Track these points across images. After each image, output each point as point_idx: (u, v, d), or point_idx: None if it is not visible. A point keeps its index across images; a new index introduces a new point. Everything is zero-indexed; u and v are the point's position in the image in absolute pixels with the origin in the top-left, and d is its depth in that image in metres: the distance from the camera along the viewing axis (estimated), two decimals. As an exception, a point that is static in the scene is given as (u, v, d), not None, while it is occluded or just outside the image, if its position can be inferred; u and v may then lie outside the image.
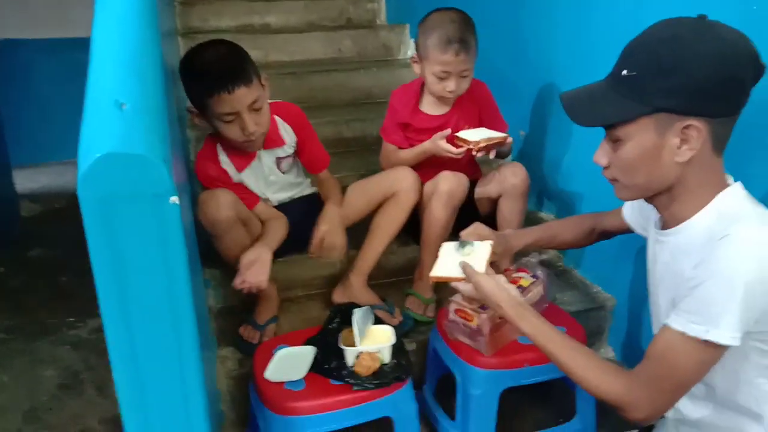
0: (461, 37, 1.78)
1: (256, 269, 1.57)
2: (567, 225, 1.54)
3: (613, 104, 1.00)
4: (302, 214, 1.83)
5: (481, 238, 1.37)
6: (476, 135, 1.78)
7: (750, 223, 0.97)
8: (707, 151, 0.99)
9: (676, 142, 0.97)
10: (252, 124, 1.59)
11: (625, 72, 0.99)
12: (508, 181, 1.83)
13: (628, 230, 1.37)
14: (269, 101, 1.70)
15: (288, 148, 1.80)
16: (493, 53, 1.88)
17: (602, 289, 1.97)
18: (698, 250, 0.98)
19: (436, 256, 1.37)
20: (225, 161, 1.73)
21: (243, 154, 1.73)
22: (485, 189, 1.92)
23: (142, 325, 0.92)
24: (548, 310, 1.60)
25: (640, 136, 0.99)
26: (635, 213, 1.33)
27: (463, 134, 1.78)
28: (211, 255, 1.74)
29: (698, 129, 0.95)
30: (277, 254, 1.68)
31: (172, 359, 0.95)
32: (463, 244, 1.33)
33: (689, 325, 0.95)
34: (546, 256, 2.15)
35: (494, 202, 1.88)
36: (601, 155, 1.06)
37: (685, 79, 0.94)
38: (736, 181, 1.06)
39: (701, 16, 0.98)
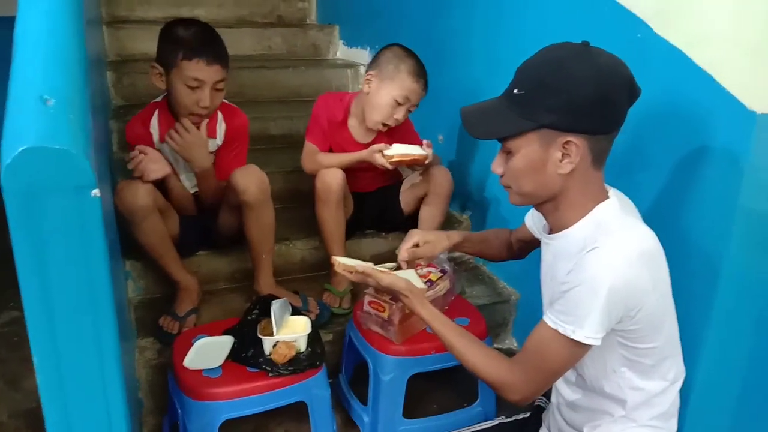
0: (426, 77, 1.94)
1: (154, 162, 1.66)
2: (493, 234, 1.62)
3: (505, 120, 1.09)
4: (199, 209, 1.90)
5: (414, 239, 1.47)
6: (399, 150, 1.89)
7: (617, 238, 1.07)
8: (587, 165, 1.09)
9: (558, 155, 1.08)
10: (209, 100, 1.69)
11: (516, 90, 1.09)
12: (435, 181, 1.95)
13: (534, 239, 1.46)
14: (224, 100, 1.79)
15: (215, 144, 1.85)
16: (425, 66, 1.99)
17: (507, 285, 2.12)
18: (573, 257, 1.10)
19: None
20: (154, 125, 1.79)
21: (174, 126, 1.78)
22: (412, 189, 2.03)
23: (62, 315, 0.95)
24: (455, 303, 1.73)
25: (527, 149, 1.09)
26: (534, 219, 1.43)
27: (388, 150, 1.89)
28: (132, 247, 1.76)
29: (577, 145, 1.06)
30: (183, 251, 1.79)
31: (91, 349, 0.99)
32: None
33: (560, 324, 1.06)
34: (458, 253, 2.28)
35: (419, 202, 2.00)
36: (497, 165, 1.16)
37: (565, 99, 1.04)
38: (623, 189, 1.18)
39: (585, 42, 1.09)
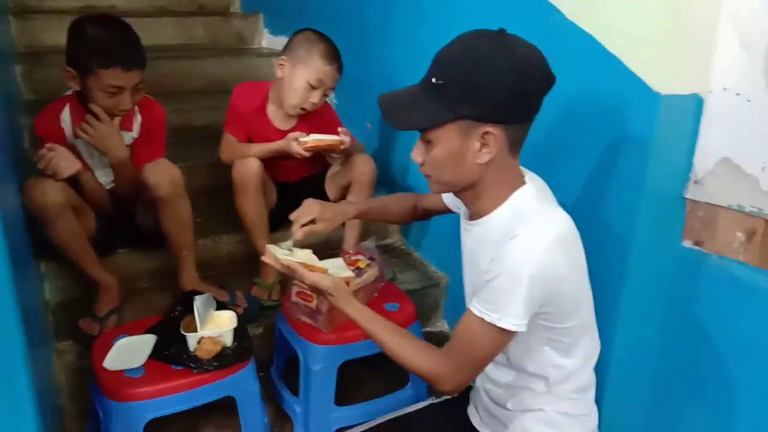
0: (340, 60, 1.93)
1: (64, 158, 1.59)
2: (393, 200, 1.63)
3: (423, 110, 1.09)
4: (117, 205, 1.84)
5: (308, 216, 1.40)
6: (315, 137, 1.88)
7: (534, 226, 1.10)
8: (504, 153, 1.11)
9: (476, 145, 1.09)
10: (129, 102, 1.64)
11: (434, 80, 1.09)
12: (357, 169, 1.95)
13: (447, 210, 1.50)
14: None
15: (131, 137, 1.79)
16: (348, 56, 1.98)
17: (438, 269, 2.15)
18: (494, 246, 1.12)
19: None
20: (66, 120, 1.72)
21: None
22: (335, 178, 2.02)
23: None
24: (384, 289, 1.75)
25: (446, 139, 1.09)
26: (452, 196, 1.44)
27: (304, 137, 1.88)
28: (47, 247, 1.68)
29: (495, 135, 1.08)
30: (103, 249, 1.74)
31: None
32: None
33: (486, 313, 1.08)
34: (391, 239, 2.31)
35: (344, 189, 1.99)
36: (417, 154, 1.17)
37: (482, 91, 1.05)
38: (542, 175, 1.22)
39: (501, 29, 1.09)
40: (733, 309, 1.34)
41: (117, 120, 1.71)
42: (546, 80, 1.10)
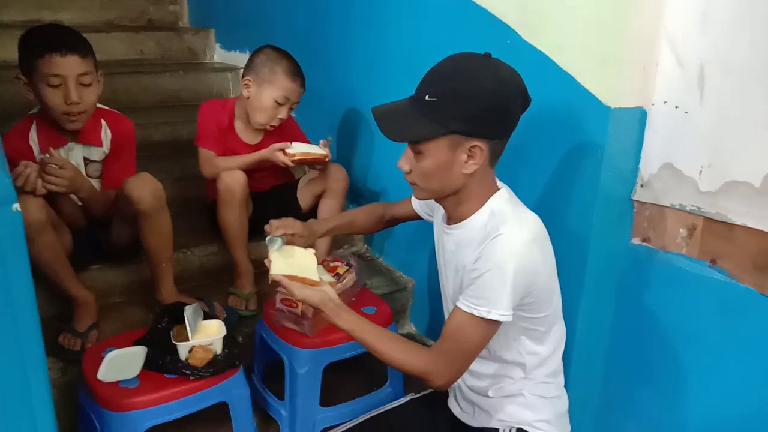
0: (303, 75, 2.00)
1: (62, 170, 1.60)
2: (361, 212, 1.72)
3: (418, 125, 1.19)
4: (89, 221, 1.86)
5: (288, 230, 1.47)
6: (300, 149, 1.96)
7: (513, 225, 1.22)
8: (486, 164, 1.23)
9: (464, 157, 1.20)
10: (76, 94, 1.63)
11: (427, 97, 1.18)
12: (332, 177, 2.04)
13: (416, 217, 1.61)
14: (105, 107, 1.77)
15: (101, 153, 1.80)
16: (304, 69, 2.06)
17: (404, 274, 2.26)
18: (477, 245, 1.23)
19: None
20: (33, 138, 1.73)
21: (54, 137, 1.73)
22: (309, 186, 2.10)
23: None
24: (361, 294, 1.83)
25: (437, 151, 1.19)
26: (421, 202, 1.56)
27: (290, 149, 1.95)
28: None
29: (481, 148, 1.19)
30: (76, 266, 1.74)
31: (17, 373, 0.95)
32: (272, 241, 1.38)
33: (474, 307, 1.18)
34: (356, 248, 2.40)
35: (316, 198, 2.07)
36: (404, 162, 1.26)
37: (474, 108, 1.16)
38: (507, 181, 1.34)
39: (487, 53, 1.21)
40: (677, 297, 1.51)
41: (81, 157, 1.75)
42: (524, 100, 1.24)
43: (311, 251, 1.41)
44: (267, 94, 1.97)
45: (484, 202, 1.27)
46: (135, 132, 1.89)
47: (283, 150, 1.94)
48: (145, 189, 1.69)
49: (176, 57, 3.18)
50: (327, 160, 1.98)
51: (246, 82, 2.00)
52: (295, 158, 1.93)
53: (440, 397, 1.51)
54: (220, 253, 2.10)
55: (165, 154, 2.56)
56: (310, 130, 2.29)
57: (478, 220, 1.27)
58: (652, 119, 1.51)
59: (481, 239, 1.23)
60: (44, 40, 1.63)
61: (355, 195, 2.45)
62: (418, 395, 1.55)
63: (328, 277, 1.61)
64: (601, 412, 1.72)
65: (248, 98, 2.01)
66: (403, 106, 1.23)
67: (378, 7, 2.17)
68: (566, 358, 1.43)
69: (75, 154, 1.76)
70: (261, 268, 2.03)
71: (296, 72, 2.00)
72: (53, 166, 1.58)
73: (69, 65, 1.62)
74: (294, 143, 1.98)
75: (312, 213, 2.09)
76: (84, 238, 1.80)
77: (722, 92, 1.37)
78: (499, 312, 1.17)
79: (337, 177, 2.03)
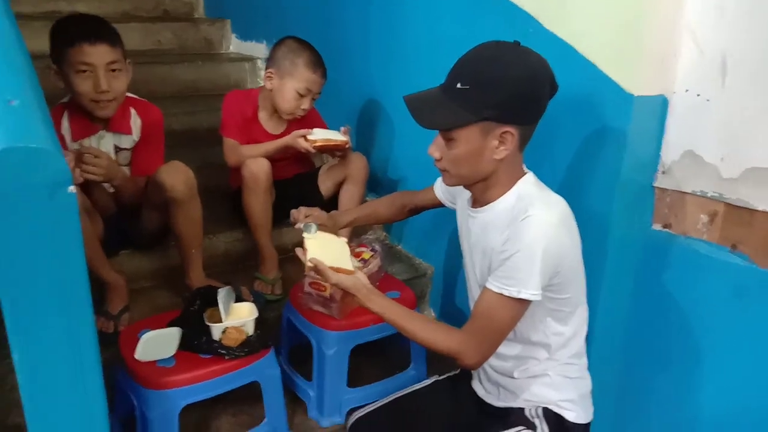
0: (323, 64, 2.03)
1: (97, 159, 1.65)
2: (383, 203, 1.77)
3: (451, 112, 1.22)
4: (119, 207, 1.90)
5: (313, 219, 1.53)
6: (321, 135, 1.99)
7: (541, 206, 1.25)
8: (515, 150, 1.27)
9: (495, 143, 1.24)
10: (105, 83, 1.68)
11: (459, 85, 1.22)
12: (352, 165, 2.07)
13: (438, 205, 1.64)
14: (134, 96, 1.80)
15: (131, 141, 1.84)
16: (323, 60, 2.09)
17: (423, 261, 2.30)
18: (505, 227, 1.26)
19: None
20: (65, 127, 1.76)
21: (86, 125, 1.77)
22: (330, 174, 2.13)
23: (44, 312, 0.95)
24: (385, 279, 1.88)
25: (469, 138, 1.22)
26: (444, 190, 1.60)
27: (312, 136, 1.98)
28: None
29: (512, 134, 1.23)
30: (109, 249, 1.79)
31: (69, 350, 0.99)
32: (308, 227, 1.41)
33: (505, 287, 1.22)
34: (374, 235, 2.43)
35: (337, 186, 2.11)
36: (435, 149, 1.30)
37: (505, 95, 1.19)
38: (531, 167, 1.37)
39: (516, 41, 1.25)
40: (697, 282, 1.54)
41: (112, 144, 1.78)
42: (552, 86, 1.27)
43: (344, 240, 1.45)
44: (289, 86, 2.01)
45: (512, 186, 1.31)
46: (164, 120, 1.93)
47: (304, 137, 1.97)
48: (178, 177, 1.73)
49: (193, 47, 3.21)
50: (347, 146, 2.01)
51: (268, 74, 2.04)
52: (317, 144, 1.96)
53: (464, 378, 1.55)
54: (244, 239, 2.14)
55: (185, 143, 2.59)
56: (329, 120, 2.31)
57: (505, 202, 1.30)
58: (673, 107, 1.54)
59: (509, 221, 1.26)
60: (75, 30, 1.67)
61: (374, 184, 2.48)
62: (442, 377, 1.59)
63: (354, 262, 1.64)
64: (621, 394, 1.76)
65: (271, 90, 2.04)
66: (435, 94, 1.26)
67: (396, -5, 2.20)
68: (588, 340, 1.46)
69: (105, 142, 1.81)
70: (285, 254, 2.09)
71: (317, 63, 2.03)
72: (89, 155, 1.62)
73: (98, 54, 1.67)
74: (315, 129, 2.01)
75: (333, 200, 2.13)
76: (114, 224, 1.84)
77: (743, 80, 1.40)
78: (530, 291, 1.21)
79: (358, 165, 2.07)
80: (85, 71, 1.66)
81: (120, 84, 1.74)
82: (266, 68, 2.07)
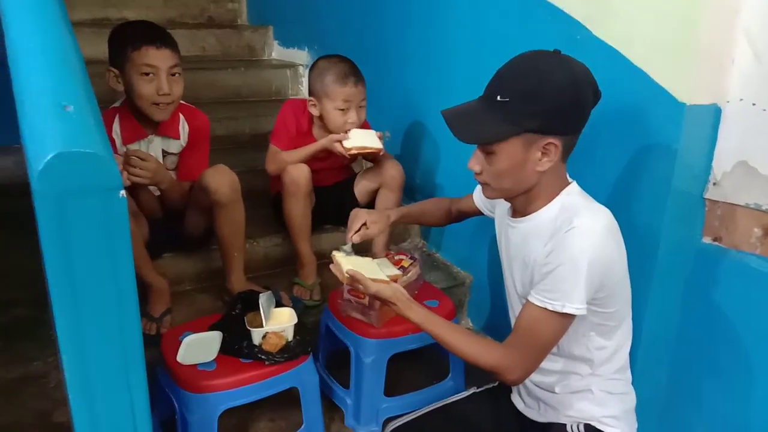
0: (354, 71, 1.99)
1: (145, 163, 1.68)
2: (430, 204, 1.75)
3: (491, 126, 1.19)
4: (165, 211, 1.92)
5: (361, 220, 1.53)
6: (358, 136, 1.98)
7: (586, 217, 1.21)
8: (559, 160, 1.24)
9: (538, 155, 1.21)
10: (167, 86, 1.73)
11: (499, 97, 1.19)
12: (387, 173, 2.06)
13: (477, 213, 1.62)
14: (183, 102, 1.83)
15: (179, 145, 1.88)
16: (360, 66, 2.08)
17: (461, 270, 2.28)
18: (548, 239, 1.22)
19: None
20: (116, 131, 1.81)
21: (136, 129, 1.81)
22: (367, 181, 2.13)
23: (91, 312, 0.97)
24: (423, 287, 1.86)
25: (510, 151, 1.19)
26: (483, 198, 1.56)
27: (347, 142, 1.97)
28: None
29: (555, 145, 1.20)
30: (152, 251, 1.83)
31: (118, 349, 1.00)
32: (343, 249, 1.45)
33: (548, 302, 1.18)
34: (413, 243, 2.43)
35: (372, 194, 2.10)
36: (475, 163, 1.27)
37: (547, 106, 1.16)
38: (578, 177, 1.33)
39: (556, 50, 1.22)
40: (748, 296, 1.48)
41: (160, 149, 1.82)
42: (595, 94, 1.24)
43: (369, 259, 1.47)
44: (329, 107, 1.99)
45: (555, 196, 1.27)
46: (210, 126, 1.96)
47: (340, 141, 1.97)
48: (223, 181, 1.75)
49: (236, 54, 3.26)
50: (381, 154, 2.00)
51: (311, 102, 2.02)
52: (351, 152, 1.96)
53: (503, 391, 1.52)
54: (283, 244, 2.15)
55: (227, 148, 2.64)
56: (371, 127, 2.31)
57: (548, 213, 1.27)
58: (726, 116, 1.49)
59: (552, 232, 1.23)
60: (140, 34, 1.73)
61: (412, 191, 2.47)
62: (481, 389, 1.55)
63: (393, 270, 1.64)
64: (666, 409, 1.70)
65: (319, 117, 2.03)
66: (474, 107, 1.23)
67: (439, 3, 2.18)
68: (632, 354, 1.41)
69: (154, 146, 1.84)
70: (323, 259, 2.09)
71: (346, 75, 1.98)
72: (136, 158, 1.65)
73: (163, 57, 1.72)
74: (352, 132, 1.99)
75: (369, 207, 2.12)
76: (159, 227, 1.87)
77: (803, 89, 1.35)
78: (574, 306, 1.17)
79: (392, 173, 2.06)
80: (148, 74, 1.71)
81: (179, 88, 1.79)
82: (309, 98, 2.06)
